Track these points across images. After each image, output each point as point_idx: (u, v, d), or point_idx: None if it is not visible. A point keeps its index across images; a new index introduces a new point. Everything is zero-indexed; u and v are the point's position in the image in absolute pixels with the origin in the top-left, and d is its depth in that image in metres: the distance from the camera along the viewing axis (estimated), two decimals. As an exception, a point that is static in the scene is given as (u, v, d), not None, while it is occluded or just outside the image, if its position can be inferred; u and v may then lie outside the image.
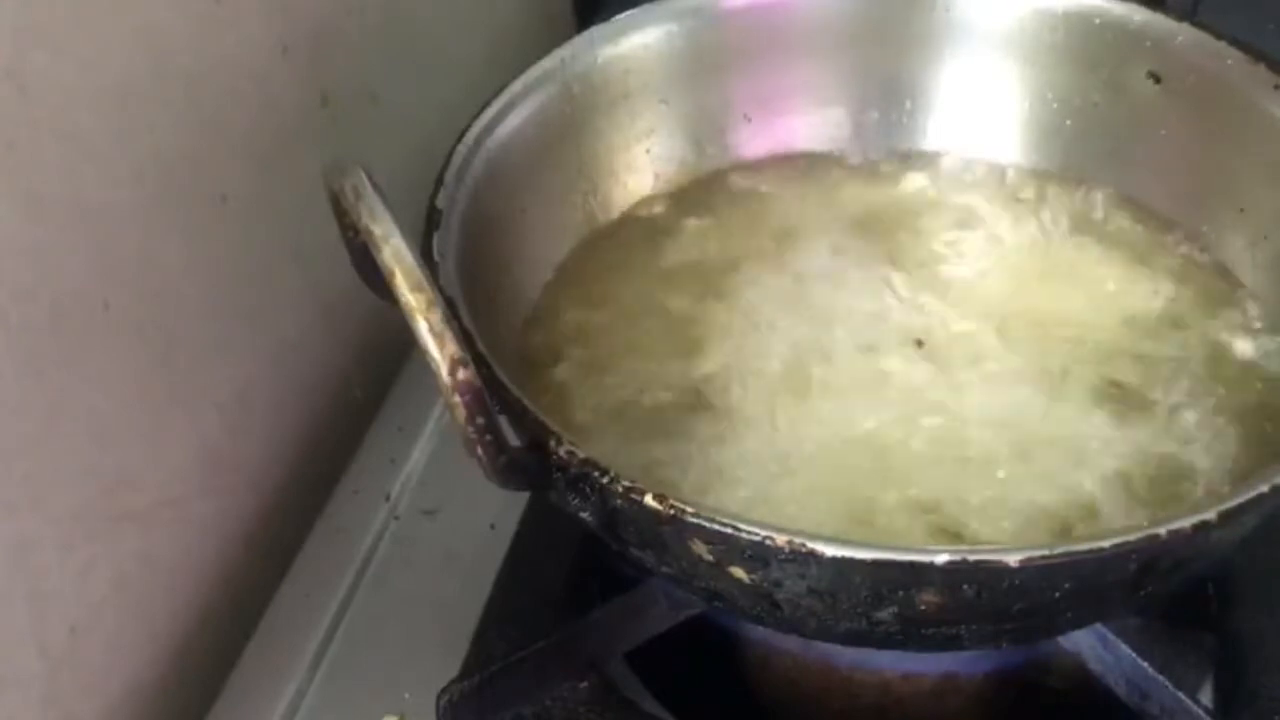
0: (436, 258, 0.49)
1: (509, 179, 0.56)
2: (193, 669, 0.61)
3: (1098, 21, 0.61)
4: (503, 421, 0.43)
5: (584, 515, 0.45)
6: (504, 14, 0.89)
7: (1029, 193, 0.63)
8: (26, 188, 0.49)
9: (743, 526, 0.41)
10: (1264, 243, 0.57)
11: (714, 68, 0.63)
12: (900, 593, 0.42)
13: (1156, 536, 0.40)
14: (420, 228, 0.50)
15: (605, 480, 0.42)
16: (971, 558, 0.40)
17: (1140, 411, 0.53)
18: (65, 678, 0.54)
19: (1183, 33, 0.59)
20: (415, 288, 0.41)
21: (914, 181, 0.64)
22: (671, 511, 0.41)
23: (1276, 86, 0.56)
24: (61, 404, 0.52)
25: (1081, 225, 0.61)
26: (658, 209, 0.63)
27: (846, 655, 0.55)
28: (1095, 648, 0.52)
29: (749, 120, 0.65)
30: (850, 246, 0.61)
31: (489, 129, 0.56)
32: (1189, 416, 0.53)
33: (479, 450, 0.42)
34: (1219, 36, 0.58)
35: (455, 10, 0.81)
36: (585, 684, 0.55)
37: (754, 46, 0.63)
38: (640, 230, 0.62)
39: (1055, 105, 0.63)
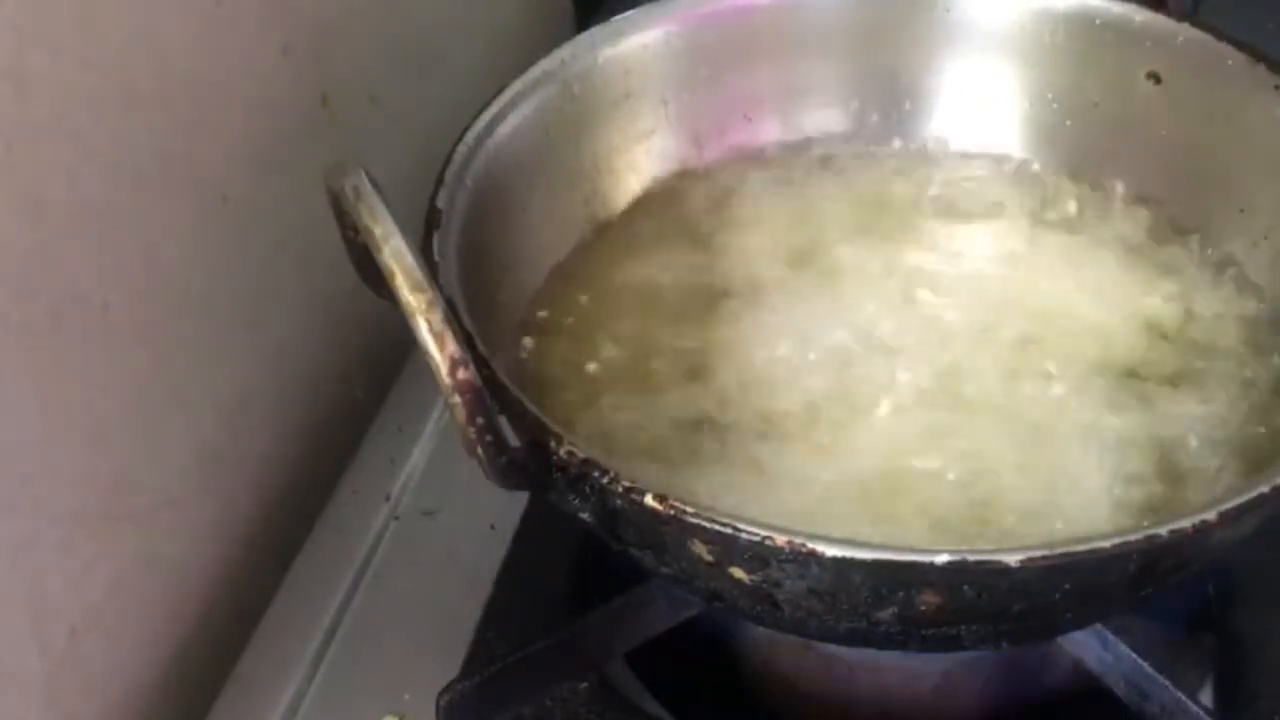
0: (436, 258, 0.49)
1: (509, 179, 0.56)
2: (193, 669, 0.61)
3: (1098, 21, 0.61)
4: (503, 421, 0.43)
5: (584, 515, 0.45)
6: (504, 14, 0.89)
7: (1029, 193, 0.63)
8: (26, 188, 0.49)
9: (742, 526, 0.40)
10: (1264, 242, 0.57)
11: (714, 68, 0.63)
12: (900, 593, 0.42)
13: (1156, 536, 0.40)
14: (420, 228, 0.50)
15: (605, 480, 0.42)
16: (971, 558, 0.40)
17: (1144, 411, 0.53)
18: (65, 678, 0.54)
19: (1183, 33, 0.59)
20: (415, 288, 0.41)
21: (914, 183, 0.64)
22: (671, 511, 0.41)
23: (1276, 86, 0.56)
24: (61, 404, 0.52)
25: (1082, 225, 0.61)
26: (658, 209, 0.63)
27: (846, 656, 0.55)
28: (1095, 648, 0.52)
29: (749, 120, 0.65)
30: (852, 248, 0.61)
31: (489, 129, 0.56)
32: (1194, 417, 0.53)
33: (479, 450, 0.42)
34: (1219, 36, 0.58)
35: (455, 10, 0.81)
36: (585, 684, 0.55)
37: (754, 47, 0.63)
38: (641, 230, 0.62)
39: (1055, 105, 0.63)
